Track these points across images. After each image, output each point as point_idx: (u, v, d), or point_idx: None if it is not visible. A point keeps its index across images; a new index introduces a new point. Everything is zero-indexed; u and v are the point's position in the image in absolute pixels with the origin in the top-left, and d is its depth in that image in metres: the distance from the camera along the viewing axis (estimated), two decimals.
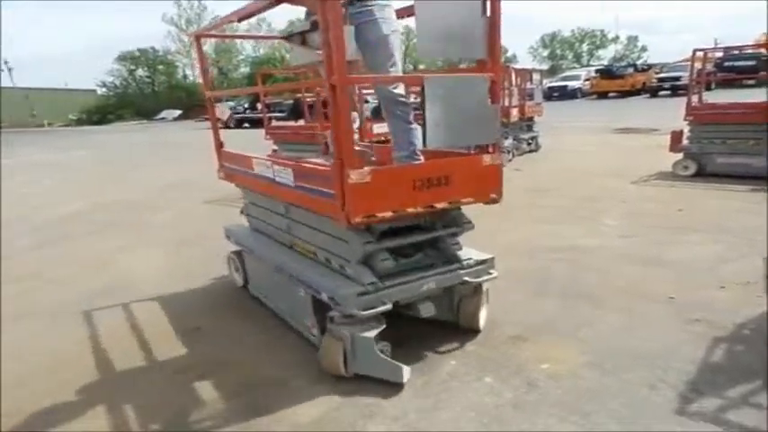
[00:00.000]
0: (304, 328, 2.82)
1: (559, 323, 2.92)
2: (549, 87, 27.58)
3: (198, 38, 3.64)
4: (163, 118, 38.24)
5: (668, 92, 24.06)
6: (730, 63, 20.76)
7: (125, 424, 2.25)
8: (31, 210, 7.13)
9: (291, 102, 18.84)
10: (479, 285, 2.74)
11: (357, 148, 2.49)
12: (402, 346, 2.60)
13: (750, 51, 20.60)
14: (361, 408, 2.24)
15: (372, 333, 2.36)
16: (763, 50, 19.24)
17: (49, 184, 9.79)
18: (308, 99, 9.08)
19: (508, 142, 8.84)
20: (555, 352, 2.60)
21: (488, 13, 2.34)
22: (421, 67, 27.68)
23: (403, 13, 2.81)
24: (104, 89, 46.59)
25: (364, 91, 7.14)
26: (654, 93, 25.41)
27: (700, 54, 7.04)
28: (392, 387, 2.35)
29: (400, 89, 2.74)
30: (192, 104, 36.71)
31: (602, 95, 28.09)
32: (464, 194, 2.46)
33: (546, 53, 62.82)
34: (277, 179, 2.82)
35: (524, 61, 56.33)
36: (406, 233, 2.52)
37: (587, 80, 29.79)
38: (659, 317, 2.93)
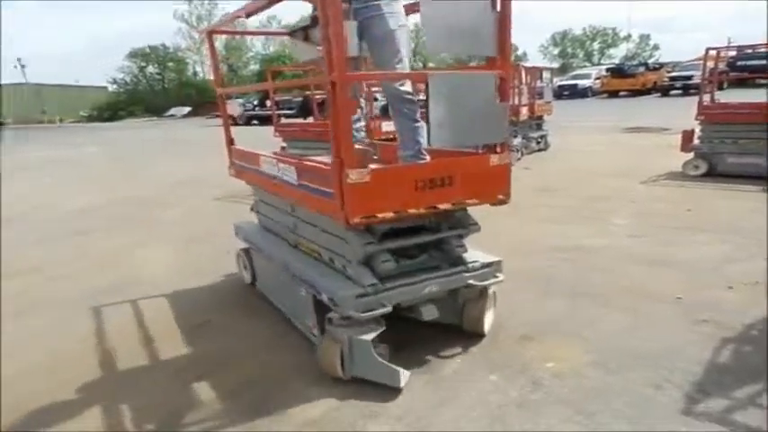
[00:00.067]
0: (305, 328, 2.80)
1: (565, 323, 2.92)
2: (560, 86, 27.43)
3: (210, 34, 3.59)
4: (172, 115, 38.47)
5: (680, 91, 23.84)
6: (743, 62, 20.52)
7: (124, 423, 2.24)
8: (41, 206, 7.22)
9: (301, 99, 18.92)
10: (485, 289, 2.67)
11: (358, 146, 2.44)
12: (407, 345, 2.61)
13: (764, 50, 20.30)
14: (363, 406, 2.24)
15: (370, 336, 2.31)
16: None
17: (60, 181, 9.89)
18: (318, 96, 9.10)
19: (517, 141, 8.82)
20: (560, 351, 2.60)
21: (498, 9, 2.25)
22: (430, 65, 27.62)
23: (412, 8, 2.76)
24: (115, 86, 47.03)
25: (374, 89, 7.15)
26: (665, 92, 25.20)
27: (712, 53, 6.97)
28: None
29: (407, 86, 2.68)
30: (202, 101, 36.92)
31: (613, 94, 27.92)
32: (469, 195, 2.39)
33: (557, 51, 62.54)
34: (282, 177, 2.78)
35: (535, 60, 56.09)
36: (409, 234, 2.47)
37: (598, 79, 29.60)
38: (666, 317, 2.92)
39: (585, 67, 44.00)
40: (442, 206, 2.34)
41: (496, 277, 2.66)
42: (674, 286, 3.29)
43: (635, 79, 27.38)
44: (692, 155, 6.85)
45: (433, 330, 2.78)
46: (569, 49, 62.14)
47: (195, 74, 47.08)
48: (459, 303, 2.76)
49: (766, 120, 6.11)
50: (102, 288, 3.84)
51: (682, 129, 6.99)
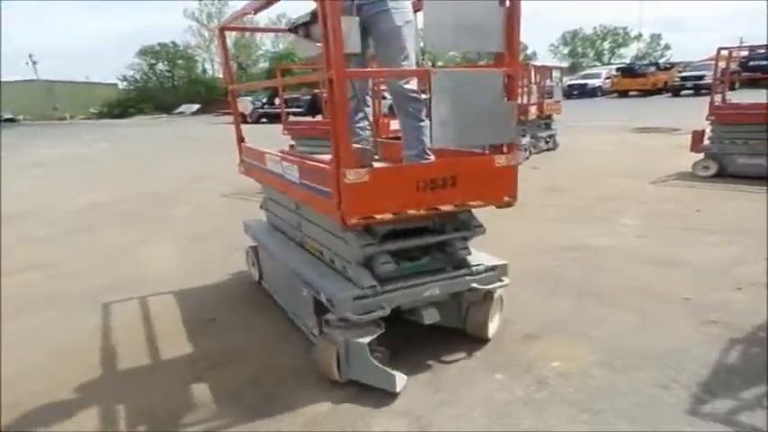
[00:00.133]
0: (306, 327, 2.78)
1: (571, 322, 2.90)
2: (569, 85, 27.33)
3: (222, 30, 3.56)
4: (181, 112, 38.61)
5: (691, 91, 23.65)
6: (756, 62, 20.29)
7: (124, 423, 2.23)
8: (50, 202, 7.28)
9: (309, 97, 18.95)
10: (489, 293, 2.60)
11: (358, 145, 2.39)
12: (410, 344, 2.61)
13: None
14: (364, 405, 2.22)
15: (367, 339, 2.25)
16: None
17: (70, 177, 9.97)
18: (325, 94, 9.08)
19: (526, 140, 8.80)
20: (566, 350, 2.59)
21: (507, 3, 2.17)
22: (439, 63, 27.54)
23: (419, 5, 2.70)
24: (125, 83, 47.29)
25: (382, 87, 7.14)
26: (676, 92, 25.02)
27: (724, 53, 6.91)
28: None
29: (412, 84, 2.63)
30: (211, 99, 37.03)
31: (623, 94, 27.75)
32: (473, 197, 2.32)
33: (567, 50, 62.20)
34: (286, 175, 2.76)
35: (545, 59, 55.81)
36: (412, 236, 2.41)
37: (608, 78, 29.42)
38: (674, 317, 2.90)
39: (596, 66, 43.73)
40: (444, 207, 2.28)
41: (501, 281, 2.59)
42: (682, 287, 3.27)
43: (645, 79, 27.21)
44: (702, 155, 6.80)
45: (438, 331, 2.75)
46: (579, 49, 61.80)
47: (204, 71, 47.28)
48: (463, 307, 2.68)
49: None
50: (108, 285, 3.85)
51: (692, 129, 6.93)
